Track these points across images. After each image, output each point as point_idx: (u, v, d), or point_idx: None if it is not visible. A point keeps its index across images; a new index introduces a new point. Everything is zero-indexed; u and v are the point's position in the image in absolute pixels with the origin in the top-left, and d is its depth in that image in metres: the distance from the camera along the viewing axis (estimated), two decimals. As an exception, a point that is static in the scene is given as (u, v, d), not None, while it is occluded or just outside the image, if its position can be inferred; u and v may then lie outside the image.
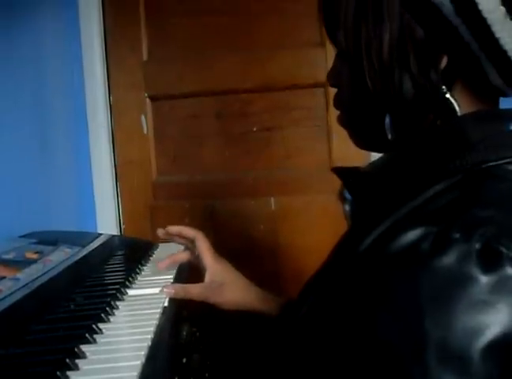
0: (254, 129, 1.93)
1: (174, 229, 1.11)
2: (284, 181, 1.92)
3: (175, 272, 1.10)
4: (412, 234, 0.56)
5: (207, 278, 1.02)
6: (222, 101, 1.95)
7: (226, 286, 1.01)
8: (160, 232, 1.12)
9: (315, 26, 1.83)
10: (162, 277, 1.05)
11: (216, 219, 1.95)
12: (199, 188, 1.98)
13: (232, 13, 1.92)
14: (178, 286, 0.99)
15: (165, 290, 0.96)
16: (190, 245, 1.10)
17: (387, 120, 0.68)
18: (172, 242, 1.14)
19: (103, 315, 0.79)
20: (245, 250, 1.90)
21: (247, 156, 1.94)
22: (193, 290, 0.99)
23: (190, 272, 1.12)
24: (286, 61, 1.90)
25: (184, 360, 0.91)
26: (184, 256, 1.11)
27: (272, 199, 1.92)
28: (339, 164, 1.75)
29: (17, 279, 0.90)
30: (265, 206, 1.93)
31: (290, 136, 1.92)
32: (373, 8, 0.64)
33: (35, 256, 1.09)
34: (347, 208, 0.77)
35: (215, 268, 1.02)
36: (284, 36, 1.90)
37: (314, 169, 1.89)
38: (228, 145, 1.95)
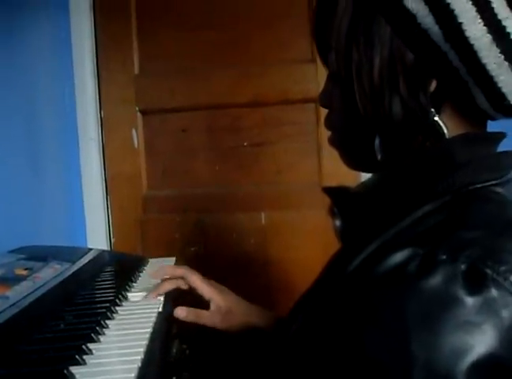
0: (245, 144, 1.94)
1: (159, 275, 1.09)
2: (275, 196, 1.93)
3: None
4: (400, 256, 0.57)
5: (213, 307, 1.02)
6: (213, 116, 1.95)
7: (232, 312, 1.02)
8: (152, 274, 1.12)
9: (306, 42, 1.85)
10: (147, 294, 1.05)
11: (206, 233, 1.95)
12: (190, 202, 1.98)
13: (224, 29, 1.93)
14: (192, 310, 1.01)
15: (178, 311, 0.99)
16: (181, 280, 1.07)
17: (377, 141, 0.69)
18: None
19: (93, 335, 0.78)
20: (235, 264, 1.90)
21: (238, 171, 1.95)
22: (204, 316, 1.01)
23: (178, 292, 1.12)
24: (277, 76, 1.91)
25: (174, 378, 0.90)
26: (171, 285, 1.07)
27: (263, 213, 1.93)
28: (329, 180, 1.80)
29: (7, 298, 0.89)
30: (255, 221, 1.93)
31: (280, 151, 1.92)
32: (364, 32, 0.65)
33: (24, 272, 1.08)
34: (337, 223, 0.78)
35: (218, 298, 1.02)
36: (275, 52, 1.91)
37: (304, 184, 1.90)
38: (219, 160, 1.96)
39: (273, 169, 1.93)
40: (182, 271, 1.05)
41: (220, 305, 1.02)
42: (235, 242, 1.94)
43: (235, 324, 1.02)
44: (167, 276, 1.07)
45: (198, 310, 1.01)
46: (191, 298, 1.05)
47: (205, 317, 1.01)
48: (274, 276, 1.92)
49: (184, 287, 1.05)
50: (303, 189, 1.90)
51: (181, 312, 0.99)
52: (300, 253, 1.88)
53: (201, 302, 1.03)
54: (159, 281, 1.11)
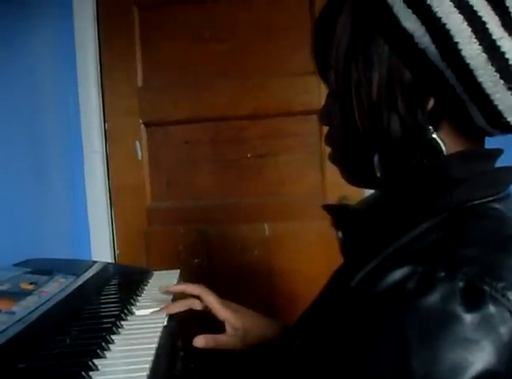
0: (248, 156, 1.95)
1: (177, 288, 1.12)
2: (278, 208, 1.94)
3: (170, 299, 1.11)
4: (399, 273, 0.58)
5: (229, 329, 1.02)
6: (216, 128, 1.97)
7: (248, 332, 1.02)
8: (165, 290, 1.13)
9: (308, 54, 1.84)
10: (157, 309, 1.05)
11: (210, 244, 1.96)
12: (193, 213, 1.99)
13: (226, 41, 1.94)
14: (210, 336, 1.00)
15: (197, 341, 0.97)
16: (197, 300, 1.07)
17: (376, 158, 0.70)
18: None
19: (98, 350, 0.79)
20: (239, 275, 1.90)
21: (241, 182, 1.96)
22: (223, 340, 1.00)
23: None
24: (279, 88, 1.92)
25: (179, 392, 0.91)
26: (188, 303, 1.07)
27: (266, 225, 1.94)
28: (332, 191, 1.81)
29: (13, 313, 0.90)
30: (258, 232, 1.94)
31: (283, 162, 1.94)
32: (363, 51, 0.66)
33: (30, 287, 1.09)
34: (340, 234, 0.78)
35: (231, 319, 1.02)
36: (277, 64, 1.92)
37: (307, 195, 1.91)
38: (222, 171, 1.97)
39: (276, 180, 1.94)
40: (199, 290, 1.04)
41: (236, 327, 1.01)
42: (239, 254, 1.94)
43: (251, 343, 1.01)
44: (184, 291, 1.07)
45: (216, 336, 1.00)
46: (199, 316, 1.05)
47: (223, 342, 1.00)
48: (278, 287, 1.93)
49: (198, 307, 1.04)
50: (306, 200, 1.91)
51: (200, 341, 0.98)
52: (304, 263, 1.89)
53: (215, 323, 1.03)
54: (163, 295, 1.12)
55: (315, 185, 1.91)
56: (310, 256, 1.88)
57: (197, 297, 1.04)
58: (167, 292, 1.12)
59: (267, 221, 1.94)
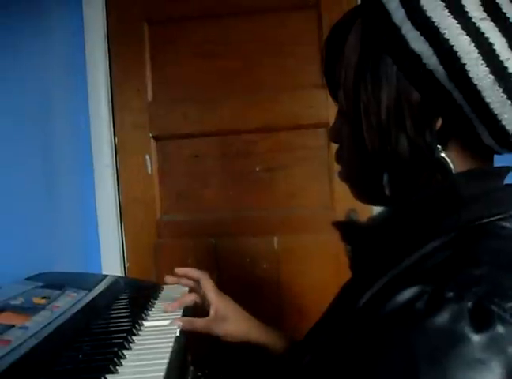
0: (257, 169, 1.96)
1: (180, 271, 1.19)
2: (287, 221, 1.94)
3: (180, 314, 1.13)
4: (408, 293, 0.59)
5: (211, 312, 1.09)
6: (225, 141, 1.98)
7: (229, 319, 1.09)
8: (169, 279, 1.20)
9: (317, 68, 1.88)
10: (167, 323, 1.06)
11: (219, 257, 1.97)
12: (203, 226, 2.00)
13: (235, 56, 1.96)
14: (185, 319, 1.07)
15: (174, 322, 1.05)
16: (196, 285, 1.17)
17: (385, 177, 0.71)
18: (179, 283, 1.22)
19: (110, 366, 0.80)
20: (248, 288, 1.91)
21: (250, 195, 1.97)
22: (199, 323, 1.07)
23: (194, 315, 1.14)
24: (289, 102, 1.94)
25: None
26: (191, 297, 1.18)
27: (275, 238, 1.94)
28: (341, 204, 1.82)
29: (26, 328, 0.91)
30: (268, 245, 1.95)
31: (293, 175, 1.95)
32: (371, 71, 0.68)
33: (42, 301, 1.10)
34: (349, 248, 0.79)
35: (218, 303, 1.10)
36: (286, 78, 1.94)
37: (316, 208, 1.92)
38: (232, 185, 1.98)
39: (286, 193, 1.95)
40: (199, 274, 1.15)
41: (217, 311, 1.09)
42: (248, 266, 1.95)
43: (232, 333, 1.07)
44: (186, 273, 1.18)
45: (192, 319, 1.07)
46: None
47: (200, 325, 1.07)
48: (286, 300, 1.93)
49: (197, 299, 1.15)
50: (315, 213, 1.91)
51: (176, 323, 1.05)
52: (313, 276, 1.89)
53: (207, 315, 1.10)
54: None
55: (324, 198, 1.92)
56: (318, 269, 1.89)
57: (197, 281, 1.15)
58: (175, 308, 1.16)
59: (276, 234, 1.94)
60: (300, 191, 1.94)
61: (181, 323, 1.05)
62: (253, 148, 1.96)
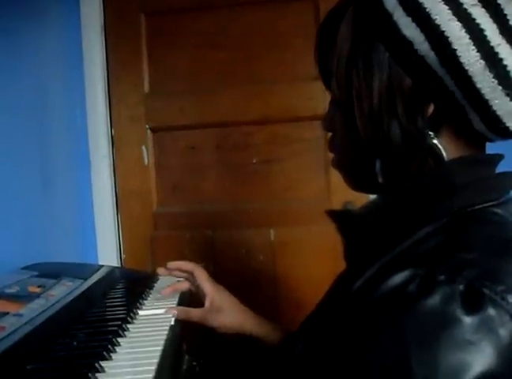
0: (254, 161, 1.96)
1: (173, 265, 1.19)
2: (284, 213, 1.95)
3: (175, 303, 1.13)
4: (400, 277, 0.59)
5: (206, 303, 1.10)
6: (222, 133, 1.98)
7: (224, 310, 1.09)
8: (161, 271, 1.20)
9: (313, 60, 1.87)
10: (162, 312, 1.06)
11: (215, 249, 1.97)
12: (199, 218, 2.00)
13: (233, 48, 1.96)
14: (181, 308, 1.09)
15: (169, 311, 1.05)
16: (190, 277, 1.17)
17: (377, 164, 0.71)
18: (171, 275, 1.22)
19: (104, 352, 0.80)
20: (244, 280, 1.91)
21: (247, 188, 1.97)
22: (194, 313, 1.08)
23: (190, 304, 1.15)
24: (286, 94, 1.93)
25: (184, 395, 0.92)
26: (185, 285, 1.19)
27: (272, 230, 1.95)
28: (338, 196, 1.82)
29: (20, 315, 0.91)
30: (264, 237, 1.95)
31: (289, 168, 1.95)
32: (364, 58, 0.68)
33: (37, 290, 1.10)
34: (343, 236, 0.79)
35: (213, 294, 1.10)
36: (283, 70, 1.94)
37: (312, 200, 1.92)
38: (228, 177, 1.98)
39: (282, 186, 1.95)
40: (192, 266, 1.16)
41: (212, 302, 1.09)
42: (245, 258, 1.95)
43: (226, 324, 1.08)
44: (179, 267, 1.18)
45: (187, 309, 1.08)
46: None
47: (194, 314, 1.07)
48: (283, 292, 1.93)
49: (192, 288, 1.16)
50: (311, 206, 1.91)
51: (171, 312, 1.06)
52: (309, 269, 1.90)
53: (202, 305, 1.11)
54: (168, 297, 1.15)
55: (321, 190, 1.92)
56: (315, 261, 1.89)
57: (191, 273, 1.15)
58: (169, 293, 1.18)
59: (272, 226, 1.95)
60: (297, 183, 1.94)
61: (176, 312, 1.05)
62: (250, 140, 1.96)
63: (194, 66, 1.98)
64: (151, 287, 1.29)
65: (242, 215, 1.97)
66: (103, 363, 0.76)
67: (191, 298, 1.18)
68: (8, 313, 0.91)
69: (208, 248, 1.96)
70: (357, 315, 0.61)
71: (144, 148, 2.02)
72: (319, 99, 1.88)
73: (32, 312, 0.94)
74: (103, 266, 1.48)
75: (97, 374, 0.72)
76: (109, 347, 0.83)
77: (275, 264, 1.94)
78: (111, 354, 0.81)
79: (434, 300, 0.55)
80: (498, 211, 0.66)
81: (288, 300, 1.90)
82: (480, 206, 0.66)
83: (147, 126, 2.02)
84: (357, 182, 0.79)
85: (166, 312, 1.06)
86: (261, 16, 1.94)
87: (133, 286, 1.31)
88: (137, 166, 2.03)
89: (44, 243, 1.65)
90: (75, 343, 0.86)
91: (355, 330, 0.60)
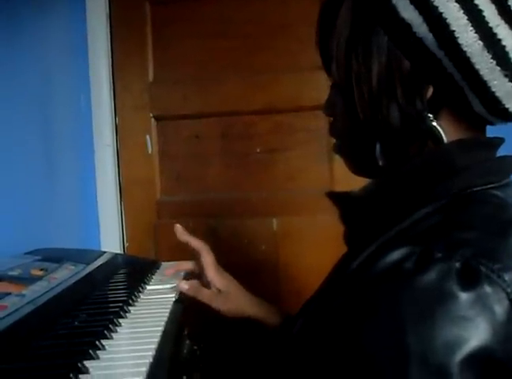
0: (258, 151, 1.97)
1: (184, 237, 1.19)
2: (287, 202, 1.95)
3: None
4: (397, 254, 0.60)
5: (212, 288, 1.11)
6: (226, 122, 1.98)
7: (231, 297, 1.10)
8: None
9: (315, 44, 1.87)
10: (164, 296, 1.07)
11: (218, 238, 1.97)
12: (202, 207, 2.00)
13: (237, 37, 1.96)
14: (194, 284, 1.09)
15: (181, 284, 1.07)
16: (195, 266, 1.18)
17: (378, 147, 0.72)
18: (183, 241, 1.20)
19: (105, 332, 0.81)
20: (246, 269, 1.91)
21: (250, 177, 1.97)
22: (204, 292, 1.09)
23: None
24: (289, 83, 1.93)
25: (184, 378, 0.92)
26: (188, 265, 1.20)
27: (274, 219, 1.95)
28: (341, 185, 1.82)
29: (23, 296, 0.92)
30: (267, 226, 1.95)
31: (293, 157, 1.95)
32: (363, 42, 0.68)
33: (40, 273, 1.11)
34: (343, 218, 0.80)
35: (219, 279, 1.11)
36: (287, 59, 1.94)
37: (316, 190, 1.92)
38: (232, 166, 1.98)
39: (285, 175, 1.95)
40: (201, 246, 1.15)
41: (219, 287, 1.10)
42: (247, 248, 1.96)
43: (231, 309, 1.08)
44: (189, 241, 1.17)
45: (200, 287, 1.09)
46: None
47: (204, 294, 1.08)
48: (285, 281, 1.94)
49: (196, 269, 1.16)
50: (314, 195, 1.91)
51: (183, 285, 1.07)
52: (312, 258, 1.90)
53: (204, 287, 1.11)
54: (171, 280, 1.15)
55: (324, 180, 1.92)
56: (317, 250, 1.89)
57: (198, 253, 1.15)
58: (172, 273, 1.19)
59: (275, 215, 1.95)
60: (300, 173, 1.95)
61: (187, 287, 1.07)
62: (253, 130, 1.97)
63: (199, 55, 1.99)
64: (153, 273, 1.30)
65: (245, 205, 1.97)
66: (104, 341, 0.77)
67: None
68: (10, 293, 0.92)
69: (210, 237, 1.96)
70: (354, 291, 0.62)
71: (148, 136, 2.02)
72: (323, 88, 1.83)
73: (34, 293, 0.95)
74: (105, 252, 1.48)
75: (98, 351, 0.73)
76: (110, 326, 0.83)
77: (277, 253, 1.95)
78: (112, 334, 0.82)
79: (431, 276, 0.55)
80: (498, 193, 0.66)
81: (290, 289, 1.91)
82: (480, 188, 0.66)
83: (151, 115, 2.02)
84: (358, 166, 0.80)
85: (177, 285, 1.07)
86: (266, 6, 1.94)
87: (136, 271, 1.32)
88: (141, 154, 2.03)
89: (47, 230, 1.66)
90: (76, 322, 0.87)
91: (352, 306, 0.61)
